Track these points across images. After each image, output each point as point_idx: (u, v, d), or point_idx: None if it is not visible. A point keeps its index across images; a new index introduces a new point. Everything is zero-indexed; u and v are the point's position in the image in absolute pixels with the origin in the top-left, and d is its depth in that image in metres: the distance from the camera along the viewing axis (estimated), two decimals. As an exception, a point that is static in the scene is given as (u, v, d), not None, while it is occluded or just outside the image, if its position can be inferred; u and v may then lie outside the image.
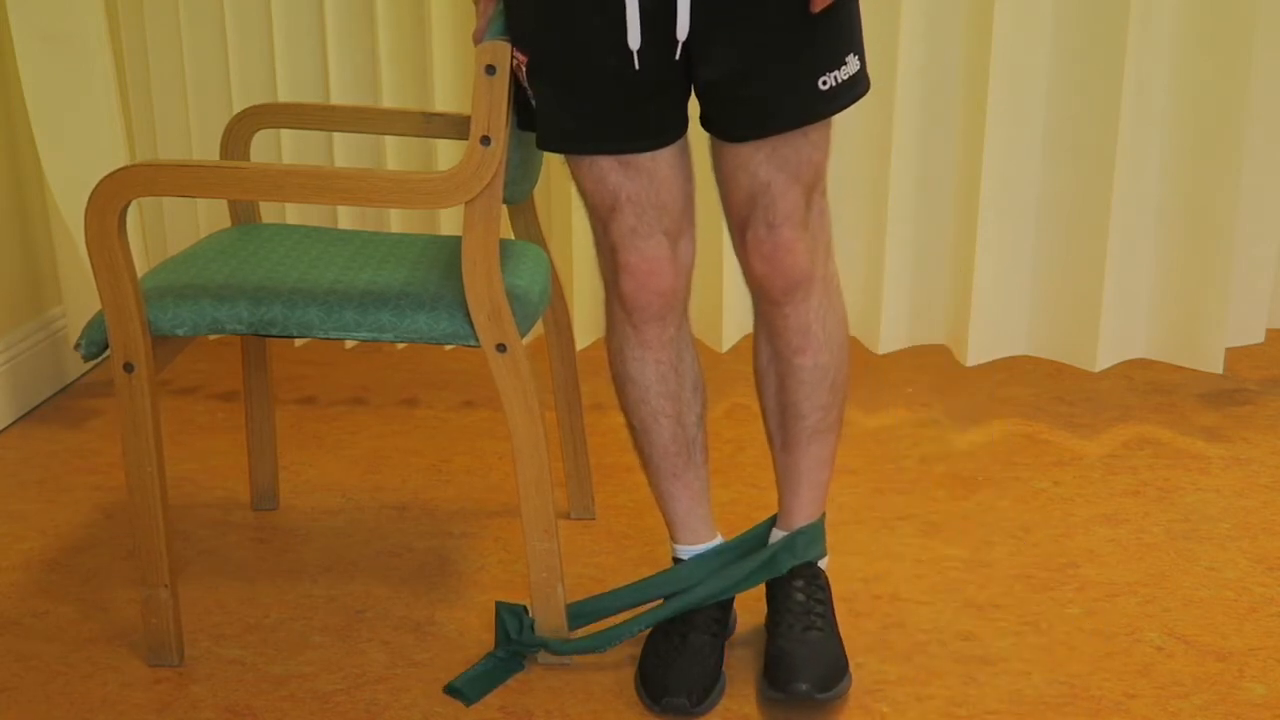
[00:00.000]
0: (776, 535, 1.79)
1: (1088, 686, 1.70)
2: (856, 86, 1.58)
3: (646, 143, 1.58)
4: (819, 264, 1.64)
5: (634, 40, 1.51)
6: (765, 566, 1.75)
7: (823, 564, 1.78)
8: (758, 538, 1.81)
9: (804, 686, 1.61)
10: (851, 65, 1.56)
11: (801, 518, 1.77)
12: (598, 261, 1.68)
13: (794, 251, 1.61)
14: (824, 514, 1.78)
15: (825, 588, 1.75)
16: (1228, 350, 2.77)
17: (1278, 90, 2.53)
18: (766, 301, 1.66)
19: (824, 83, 1.54)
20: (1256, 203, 2.59)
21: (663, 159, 1.60)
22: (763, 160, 1.57)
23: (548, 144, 1.62)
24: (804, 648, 1.66)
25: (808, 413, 1.71)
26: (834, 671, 1.65)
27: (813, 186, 1.60)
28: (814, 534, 1.77)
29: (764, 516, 2.15)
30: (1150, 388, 2.68)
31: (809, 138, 1.57)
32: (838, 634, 1.72)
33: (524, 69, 1.58)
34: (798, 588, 1.73)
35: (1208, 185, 2.55)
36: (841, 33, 1.55)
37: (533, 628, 1.75)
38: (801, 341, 1.67)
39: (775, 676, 1.64)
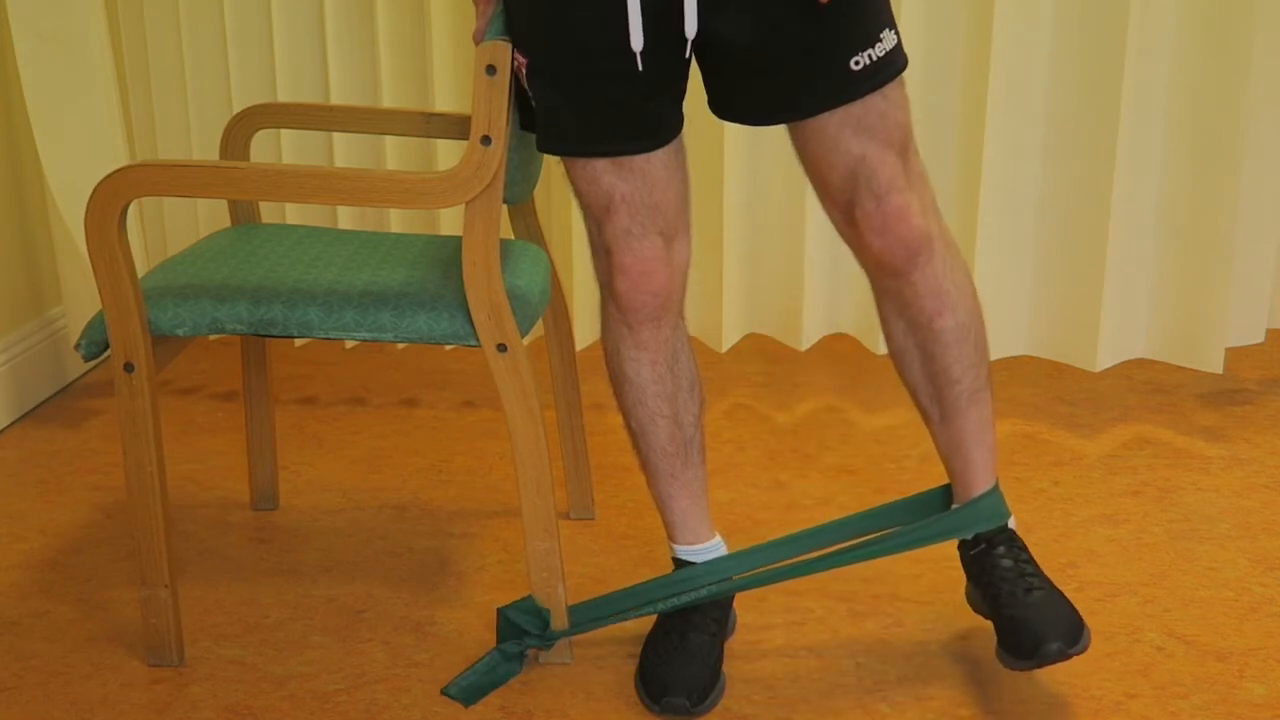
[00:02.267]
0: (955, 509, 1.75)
1: (1088, 686, 1.70)
2: (894, 64, 1.54)
3: (642, 143, 1.58)
4: (932, 222, 1.60)
5: (636, 42, 1.51)
6: (950, 530, 1.70)
7: (1011, 524, 1.73)
8: (926, 505, 1.77)
9: (1055, 646, 1.57)
10: (887, 41, 1.53)
11: (980, 484, 1.71)
12: (593, 262, 1.68)
13: (908, 216, 1.57)
14: (997, 481, 1.73)
15: (1025, 547, 1.70)
16: (1228, 350, 2.77)
17: (1278, 90, 2.53)
18: (890, 275, 1.61)
19: (856, 63, 1.51)
20: (1256, 203, 2.59)
21: (657, 160, 1.59)
22: (850, 135, 1.54)
23: (547, 145, 1.62)
24: (1035, 610, 1.61)
25: (960, 375, 1.66)
26: (1074, 623, 1.60)
27: (905, 147, 1.57)
28: (996, 498, 1.72)
29: (765, 516, 2.15)
30: (1150, 388, 2.68)
31: (888, 98, 1.54)
32: (1057, 587, 1.67)
33: (525, 70, 1.58)
34: (1001, 554, 1.68)
35: (1208, 185, 2.55)
36: (869, 10, 1.52)
37: (549, 620, 1.74)
38: (937, 304, 1.62)
39: (1019, 646, 1.59)
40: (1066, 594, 1.91)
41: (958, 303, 1.63)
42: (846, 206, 1.59)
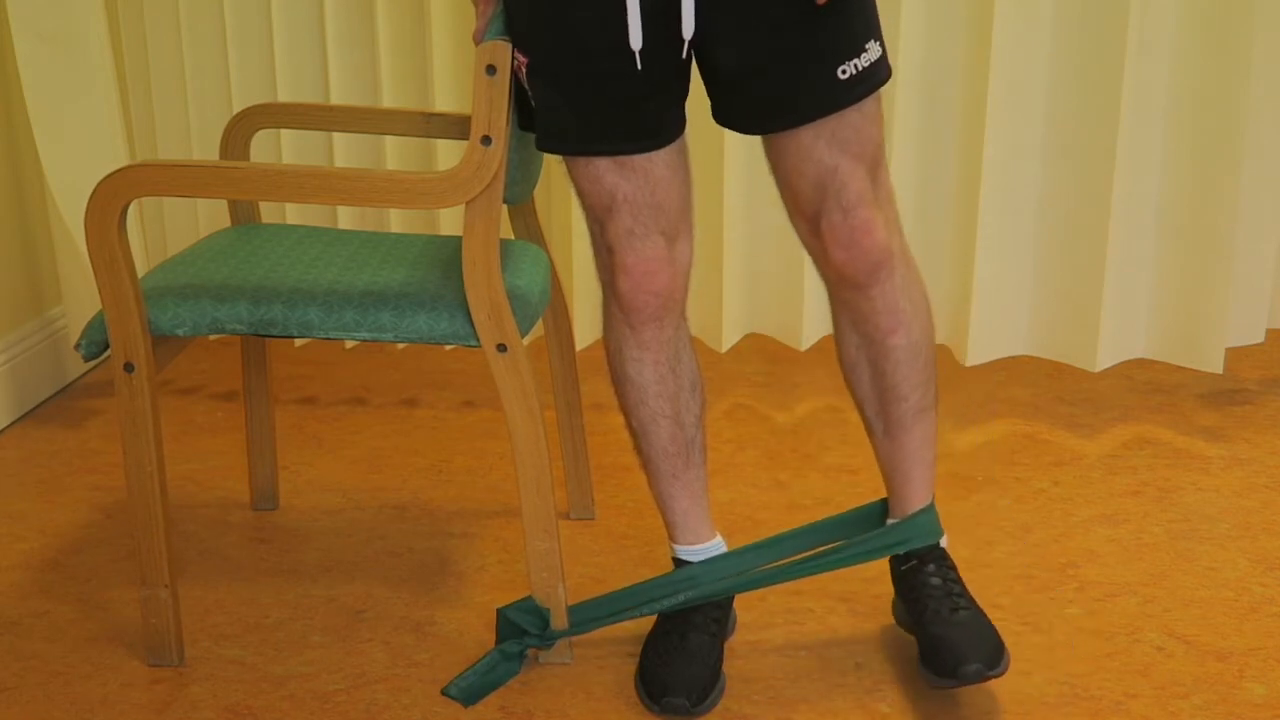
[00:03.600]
0: (890, 524, 1.78)
1: (1088, 686, 1.70)
2: (878, 74, 1.56)
3: (644, 143, 1.58)
4: (895, 239, 1.62)
5: (635, 41, 1.51)
6: (883, 547, 1.73)
7: (943, 543, 1.76)
8: (864, 519, 1.80)
9: (974, 667, 1.59)
10: (872, 52, 1.55)
11: (917, 501, 1.75)
12: (595, 262, 1.68)
13: (872, 231, 1.59)
14: (933, 499, 1.76)
15: (954, 567, 1.73)
16: (1228, 350, 2.77)
17: (1278, 90, 2.53)
18: (850, 288, 1.63)
19: (843, 71, 1.52)
20: (1256, 203, 2.59)
21: (659, 159, 1.59)
22: (824, 146, 1.55)
23: (547, 145, 1.62)
24: (959, 630, 1.64)
25: (908, 393, 1.68)
26: (996, 646, 1.63)
27: (876, 163, 1.59)
28: (931, 516, 1.74)
29: (765, 516, 2.15)
30: (1150, 388, 2.68)
31: (864, 113, 1.55)
32: (981, 609, 1.69)
33: (524, 70, 1.58)
34: (930, 572, 1.71)
35: (1208, 185, 2.55)
36: (858, 20, 1.54)
37: (549, 620, 1.74)
38: (892, 321, 1.64)
39: (940, 664, 1.61)
40: (1066, 594, 1.91)
41: (912, 321, 1.66)
42: (813, 217, 1.60)
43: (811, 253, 1.65)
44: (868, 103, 1.56)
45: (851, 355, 1.70)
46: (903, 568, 1.74)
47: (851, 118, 1.55)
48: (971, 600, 1.70)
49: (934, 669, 1.63)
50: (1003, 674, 1.62)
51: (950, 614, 1.66)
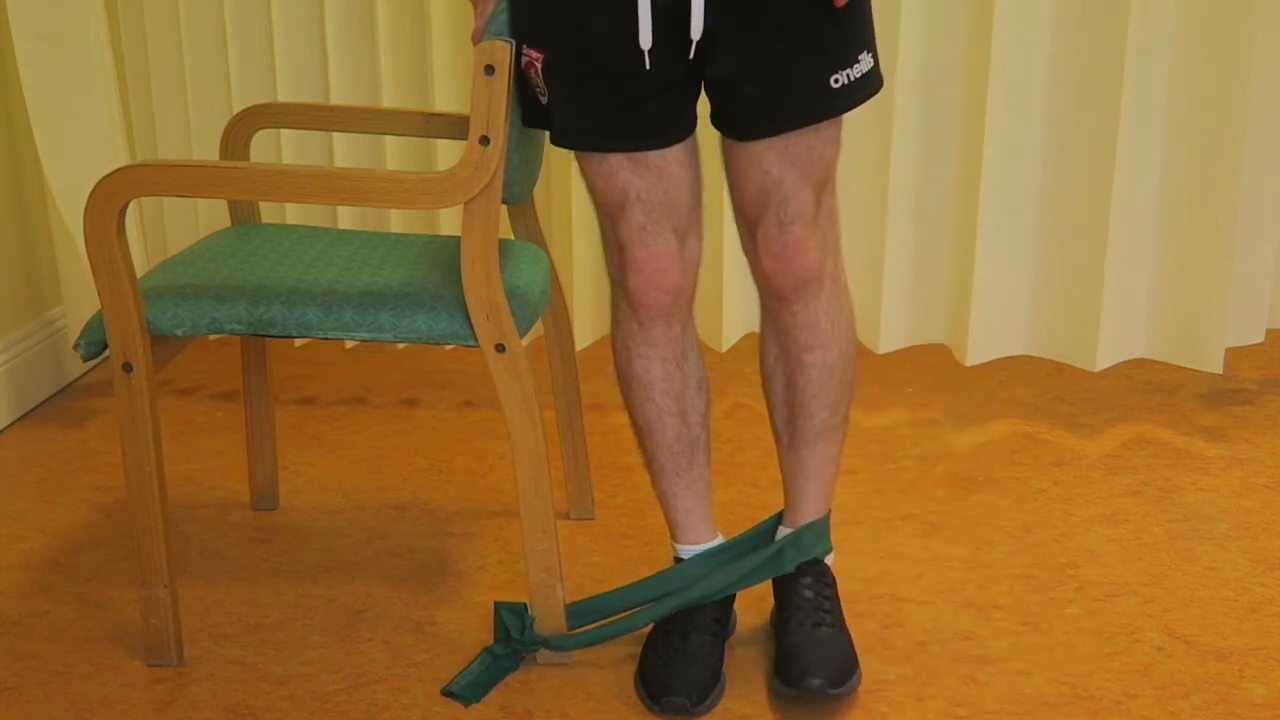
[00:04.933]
0: (782, 533, 1.79)
1: (1088, 686, 1.70)
2: (869, 84, 1.58)
3: (657, 141, 1.58)
4: (828, 262, 1.64)
5: (645, 40, 1.51)
6: (771, 563, 1.75)
7: (829, 560, 1.78)
8: (761, 535, 1.81)
9: (817, 682, 1.61)
10: (864, 63, 1.57)
11: (807, 515, 1.77)
12: (605, 259, 1.69)
13: (804, 250, 1.61)
14: (829, 511, 1.79)
15: (832, 584, 1.75)
16: (1228, 350, 2.77)
17: (1278, 90, 2.53)
18: (776, 299, 1.66)
19: (836, 80, 1.54)
20: (1256, 203, 2.59)
21: (672, 157, 1.60)
22: (775, 158, 1.57)
23: (562, 141, 1.62)
24: (815, 644, 1.66)
25: (815, 411, 1.71)
26: (845, 667, 1.65)
27: (823, 185, 1.60)
28: (820, 530, 1.77)
29: (765, 516, 2.15)
30: (1150, 388, 2.67)
31: (821, 135, 1.57)
32: (847, 630, 1.72)
33: (539, 66, 1.58)
34: (805, 584, 1.73)
35: (1208, 185, 2.55)
36: (854, 31, 1.55)
37: (534, 626, 1.75)
38: (810, 339, 1.67)
39: (788, 672, 1.64)
40: (1066, 594, 1.91)
41: (831, 343, 1.68)
42: (751, 224, 1.63)
43: (747, 257, 1.67)
44: (826, 126, 1.58)
45: (769, 364, 1.73)
46: (781, 576, 1.76)
47: (806, 137, 1.57)
48: (839, 619, 1.72)
49: (780, 677, 1.66)
50: (847, 694, 1.64)
51: (812, 629, 1.69)
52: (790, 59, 1.53)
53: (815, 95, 1.54)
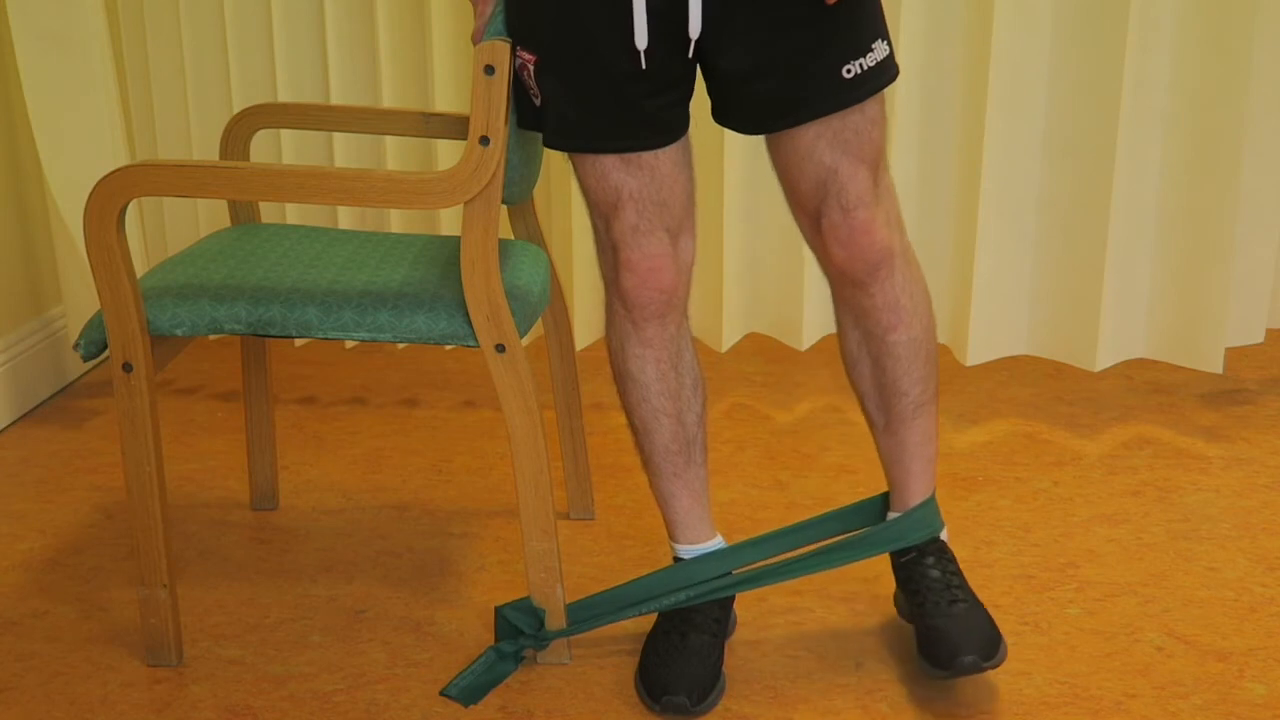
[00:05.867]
0: (892, 519, 1.79)
1: (1088, 686, 1.70)
2: (886, 73, 1.57)
3: (650, 141, 1.58)
4: (896, 238, 1.63)
5: (640, 40, 1.51)
6: (883, 543, 1.75)
7: (943, 536, 1.78)
8: (859, 514, 1.81)
9: (969, 659, 1.61)
10: (879, 51, 1.55)
11: (916, 495, 1.76)
12: (598, 260, 1.69)
13: (871, 231, 1.60)
14: (934, 490, 1.78)
15: (954, 559, 1.75)
16: (1228, 350, 2.77)
17: (1278, 90, 2.53)
18: (850, 285, 1.65)
19: (848, 71, 1.53)
20: (1256, 203, 2.59)
21: (665, 157, 1.60)
22: (826, 146, 1.56)
23: (555, 142, 1.62)
24: (956, 621, 1.65)
25: (908, 389, 1.70)
26: (991, 638, 1.64)
27: (877, 164, 1.60)
28: (931, 509, 1.76)
29: (765, 516, 2.15)
30: (1150, 388, 2.67)
31: (866, 115, 1.56)
32: (980, 602, 1.71)
33: (532, 69, 1.58)
34: (930, 565, 1.73)
35: (1208, 185, 2.55)
36: (865, 20, 1.54)
37: (544, 621, 1.75)
38: (893, 318, 1.66)
39: (937, 656, 1.63)
40: (1066, 594, 1.91)
41: (912, 318, 1.67)
42: (814, 215, 1.62)
43: (814, 249, 1.66)
44: (870, 104, 1.56)
45: (853, 351, 1.72)
46: (903, 559, 1.75)
47: (853, 119, 1.56)
48: (970, 592, 1.71)
49: (930, 660, 1.64)
50: (998, 665, 1.63)
51: (948, 606, 1.68)
52: (799, 51, 1.52)
53: (827, 88, 1.53)
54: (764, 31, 1.51)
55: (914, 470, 1.75)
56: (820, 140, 1.56)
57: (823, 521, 1.83)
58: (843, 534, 1.81)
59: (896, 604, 1.82)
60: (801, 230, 1.66)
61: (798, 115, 1.55)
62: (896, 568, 1.76)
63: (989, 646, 1.63)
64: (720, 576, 1.75)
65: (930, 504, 1.76)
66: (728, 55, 1.54)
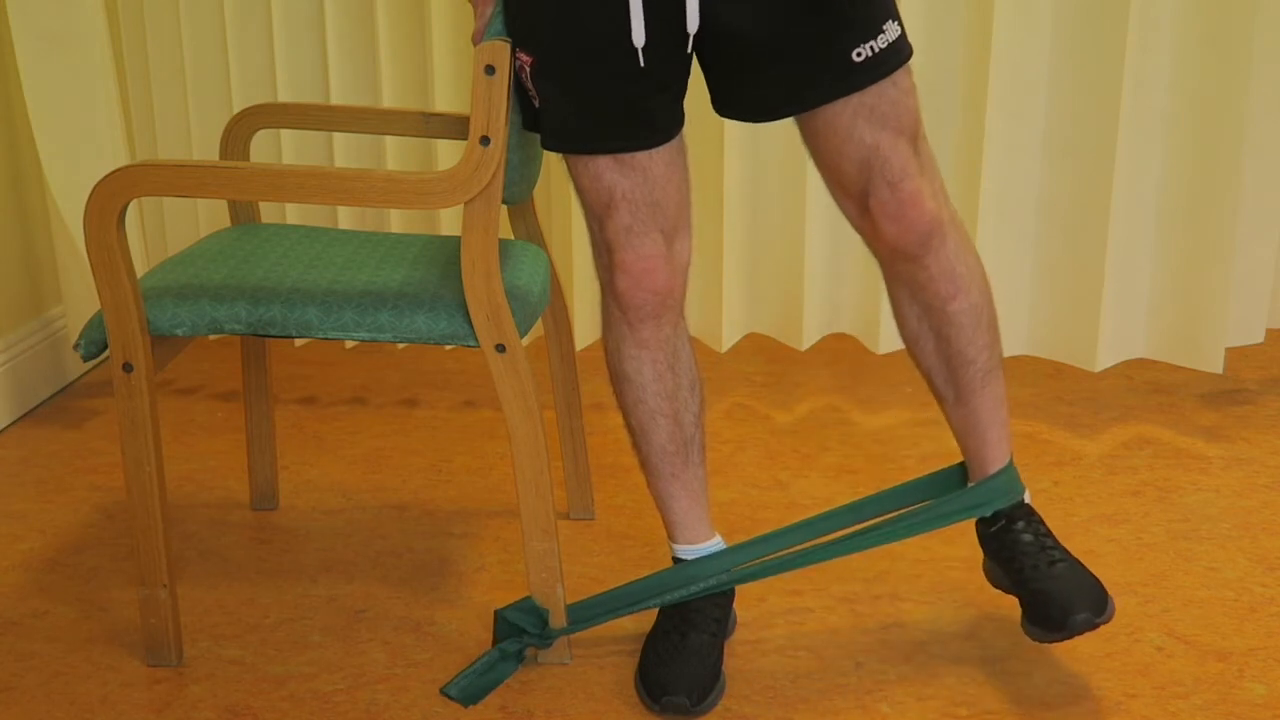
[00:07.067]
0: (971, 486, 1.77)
1: (1088, 686, 1.70)
2: (898, 54, 1.55)
3: (645, 140, 1.58)
4: (943, 207, 1.63)
5: (638, 38, 1.51)
6: (966, 509, 1.73)
7: (1026, 499, 1.76)
8: (935, 485, 1.80)
9: (1082, 616, 1.60)
10: (890, 32, 1.54)
11: (995, 462, 1.74)
12: (594, 261, 1.68)
13: (920, 202, 1.59)
14: (1011, 456, 1.76)
15: (1043, 521, 1.73)
16: (1228, 350, 2.77)
17: (1278, 90, 2.53)
18: (904, 260, 1.63)
19: (858, 54, 1.52)
20: (1256, 203, 2.59)
21: (659, 157, 1.60)
22: (864, 124, 1.55)
23: (552, 144, 1.62)
24: (1061, 581, 1.64)
25: (975, 356, 1.69)
26: (1099, 592, 1.63)
27: (915, 134, 1.59)
28: (1011, 475, 1.74)
29: (765, 516, 2.15)
30: (1150, 388, 2.67)
31: (899, 85, 1.55)
32: (1078, 559, 1.69)
33: (529, 70, 1.58)
34: (1020, 529, 1.71)
35: (1208, 185, 2.55)
36: (873, 1, 1.54)
37: (547, 619, 1.75)
38: (950, 288, 1.65)
39: (1047, 619, 1.62)
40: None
41: (970, 285, 1.66)
42: (861, 196, 1.60)
43: (861, 231, 1.64)
44: (901, 75, 1.55)
45: (913, 327, 1.70)
46: (991, 529, 1.74)
47: (888, 92, 1.55)
48: (1066, 551, 1.69)
49: (1042, 625, 1.63)
50: (1109, 620, 1.62)
51: (1049, 567, 1.66)
52: (806, 35, 1.51)
53: (836, 72, 1.52)
54: (773, 17, 1.51)
55: (990, 439, 1.73)
56: (858, 119, 1.55)
57: (892, 495, 1.80)
58: (917, 504, 1.78)
59: (989, 575, 1.80)
60: (846, 214, 1.64)
61: (806, 101, 1.54)
62: (986, 539, 1.75)
63: (1099, 602, 1.62)
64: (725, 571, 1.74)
65: (1010, 470, 1.74)
66: (734, 43, 1.53)
